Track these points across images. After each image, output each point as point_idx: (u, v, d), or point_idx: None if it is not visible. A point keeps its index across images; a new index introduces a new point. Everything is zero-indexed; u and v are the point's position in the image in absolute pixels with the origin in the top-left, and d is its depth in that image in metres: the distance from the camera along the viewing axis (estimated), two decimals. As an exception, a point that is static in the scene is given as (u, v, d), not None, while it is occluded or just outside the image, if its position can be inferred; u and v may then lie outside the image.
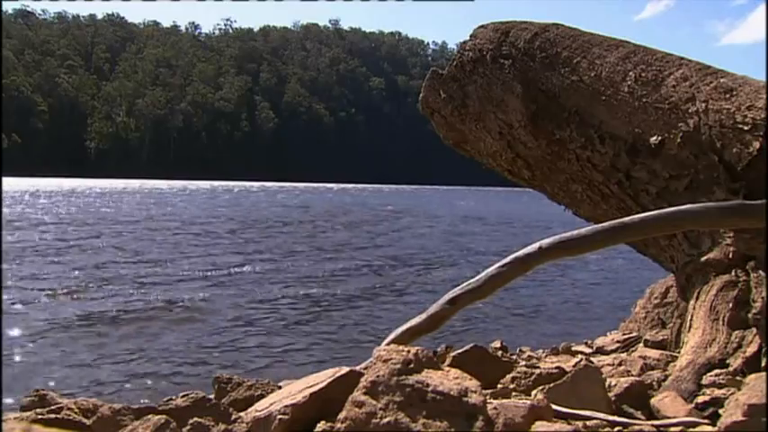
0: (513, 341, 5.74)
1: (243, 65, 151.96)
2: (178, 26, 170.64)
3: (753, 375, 1.80)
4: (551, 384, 1.75)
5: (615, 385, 1.86)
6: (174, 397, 1.67)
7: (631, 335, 3.19)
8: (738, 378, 1.86)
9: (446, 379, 1.32)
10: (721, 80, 2.32)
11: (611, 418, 1.60)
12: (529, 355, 3.27)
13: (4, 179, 56.88)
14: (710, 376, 1.90)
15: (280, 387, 1.89)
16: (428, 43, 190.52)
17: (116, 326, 8.25)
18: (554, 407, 1.54)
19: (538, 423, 1.41)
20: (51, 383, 5.71)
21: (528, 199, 37.31)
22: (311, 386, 1.53)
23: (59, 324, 8.22)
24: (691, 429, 1.56)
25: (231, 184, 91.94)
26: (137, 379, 6.18)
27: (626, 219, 1.96)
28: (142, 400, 3.99)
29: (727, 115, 2.21)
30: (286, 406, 1.48)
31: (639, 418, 1.71)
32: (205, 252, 16.08)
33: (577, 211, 3.16)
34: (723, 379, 1.87)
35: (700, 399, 1.78)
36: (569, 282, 12.80)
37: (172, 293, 10.49)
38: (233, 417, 1.55)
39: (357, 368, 1.62)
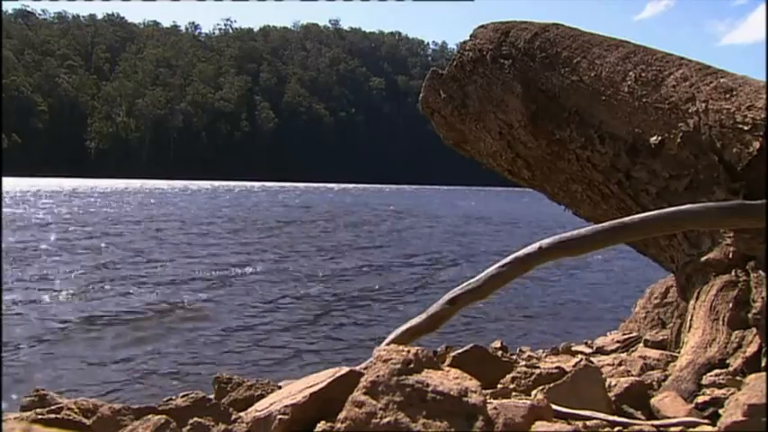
0: (513, 341, 5.75)
1: (243, 65, 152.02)
2: (178, 26, 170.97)
3: (753, 375, 1.80)
4: (551, 384, 1.75)
5: (615, 385, 1.86)
6: (174, 397, 1.67)
7: (631, 335, 3.19)
8: (738, 378, 1.86)
9: (446, 379, 1.32)
10: (721, 80, 2.32)
11: (611, 418, 1.60)
12: (529, 355, 3.27)
13: (4, 179, 56.88)
14: (710, 376, 1.90)
15: (280, 387, 1.89)
16: (428, 43, 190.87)
17: (116, 326, 8.25)
18: (554, 407, 1.54)
19: (538, 423, 1.41)
20: (51, 383, 5.71)
21: (529, 199, 37.33)
22: (311, 386, 1.53)
23: (60, 324, 8.22)
24: (691, 429, 1.56)
25: (232, 184, 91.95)
26: (137, 379, 6.18)
27: (626, 219, 1.96)
28: (142, 400, 3.99)
29: (727, 115, 2.21)
30: (286, 406, 1.48)
31: (639, 418, 1.71)
32: (207, 252, 16.08)
33: (577, 211, 3.16)
34: (723, 379, 1.87)
35: (700, 399, 1.78)
36: (569, 282, 12.80)
37: (172, 294, 10.49)
38: (233, 417, 1.55)
39: (357, 368, 1.62)
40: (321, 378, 1.55)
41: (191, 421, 1.49)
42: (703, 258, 2.31)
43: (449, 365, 1.82)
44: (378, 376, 1.30)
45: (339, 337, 8.08)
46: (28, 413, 1.62)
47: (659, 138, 2.43)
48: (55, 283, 11.10)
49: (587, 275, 13.68)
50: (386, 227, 26.95)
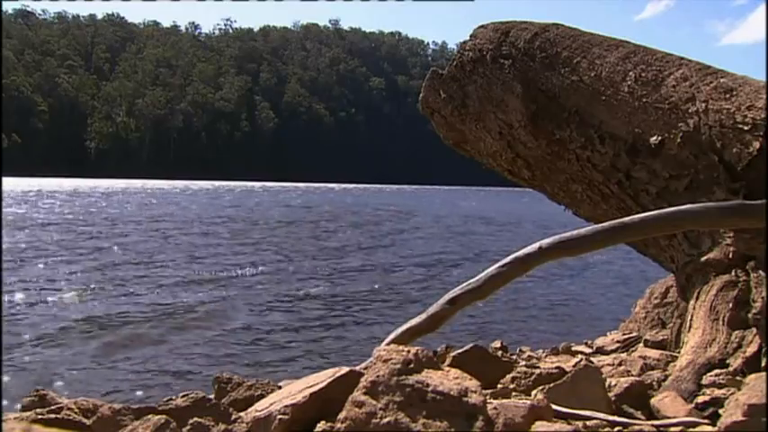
0: (513, 341, 5.75)
1: (243, 65, 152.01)
2: (178, 26, 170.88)
3: (753, 375, 1.80)
4: (551, 384, 1.75)
5: (615, 385, 1.86)
6: (174, 397, 1.67)
7: (631, 335, 3.19)
8: (738, 378, 1.86)
9: (446, 379, 1.32)
10: (721, 80, 2.32)
11: (611, 418, 1.60)
12: (529, 355, 3.27)
13: (4, 179, 56.89)
14: (710, 376, 1.90)
15: (280, 387, 1.89)
16: (428, 43, 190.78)
17: (116, 326, 8.25)
18: (554, 407, 1.54)
19: (538, 423, 1.41)
20: (51, 383, 5.71)
21: (529, 199, 37.33)
22: (311, 386, 1.53)
23: (60, 325, 8.22)
24: (691, 429, 1.56)
25: (232, 184, 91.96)
26: (137, 379, 6.19)
27: (626, 219, 1.96)
28: (142, 401, 3.99)
29: (727, 115, 2.21)
30: (286, 406, 1.48)
31: (639, 418, 1.71)
32: (207, 253, 16.09)
33: (577, 211, 3.16)
34: (723, 379, 1.87)
35: (700, 399, 1.78)
36: (569, 282, 12.81)
37: (172, 294, 10.49)
38: (233, 417, 1.55)
39: (357, 368, 1.62)
40: (321, 378, 1.55)
41: (191, 421, 1.49)
42: (703, 258, 2.31)
43: (449, 365, 1.82)
44: (378, 376, 1.30)
45: (339, 337, 8.08)
46: (28, 413, 1.62)
47: (659, 138, 2.43)
48: (56, 283, 11.10)
49: (587, 275, 13.69)
50: (388, 227, 26.96)
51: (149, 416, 1.48)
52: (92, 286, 10.88)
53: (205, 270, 13.07)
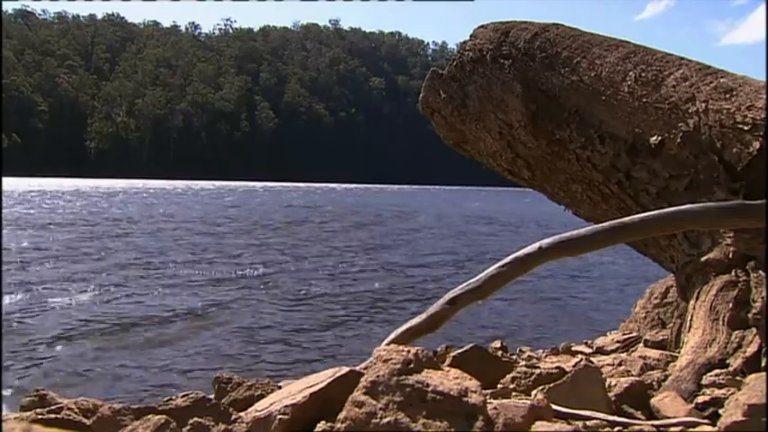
0: (513, 341, 5.75)
1: (243, 65, 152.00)
2: (178, 26, 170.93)
3: (753, 375, 1.80)
4: (551, 384, 1.75)
5: (615, 385, 1.86)
6: (174, 397, 1.67)
7: (631, 335, 3.19)
8: (738, 378, 1.86)
9: (446, 379, 1.32)
10: (721, 80, 2.32)
11: (611, 418, 1.60)
12: (529, 355, 3.27)
13: (4, 179, 56.90)
14: (710, 376, 1.90)
15: (280, 387, 1.89)
16: (428, 43, 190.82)
17: (116, 326, 8.25)
18: (554, 407, 1.54)
19: (538, 423, 1.41)
20: (51, 383, 5.71)
21: (531, 199, 37.34)
22: (311, 386, 1.53)
23: (61, 325, 8.22)
24: (691, 429, 1.56)
25: (233, 184, 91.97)
26: (137, 379, 6.19)
27: (626, 219, 1.96)
28: (142, 401, 3.99)
29: (727, 115, 2.21)
30: (286, 406, 1.48)
31: (639, 418, 1.71)
32: (209, 254, 16.09)
33: (577, 211, 3.16)
34: (723, 379, 1.87)
35: (700, 399, 1.78)
36: (569, 282, 12.81)
37: (173, 295, 10.50)
38: (233, 417, 1.55)
39: (357, 368, 1.62)
40: (321, 378, 1.55)
41: (191, 421, 1.49)
42: (703, 258, 2.31)
43: (449, 365, 1.82)
44: (378, 376, 1.30)
45: (339, 337, 8.08)
46: (28, 413, 1.61)
47: (659, 138, 2.43)
48: (56, 284, 11.10)
49: (587, 275, 13.68)
50: (389, 227, 26.95)
51: (149, 416, 1.48)
52: (93, 286, 10.89)
53: (205, 271, 13.07)
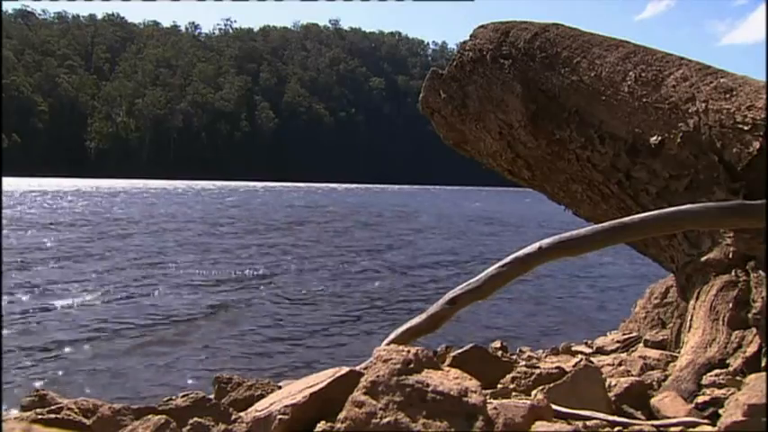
0: (513, 341, 5.75)
1: (243, 65, 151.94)
2: (178, 26, 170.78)
3: (753, 375, 1.80)
4: (551, 384, 1.75)
5: (615, 385, 1.86)
6: (174, 397, 1.67)
7: (631, 335, 3.19)
8: (738, 378, 1.86)
9: (446, 379, 1.33)
10: (721, 80, 2.32)
11: (611, 418, 1.60)
12: (529, 355, 3.27)
13: (5, 179, 56.91)
14: (710, 376, 1.90)
15: (280, 387, 1.89)
16: (428, 43, 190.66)
17: (116, 327, 8.25)
18: (554, 407, 1.54)
19: (538, 423, 1.41)
20: (51, 383, 5.71)
21: (531, 200, 37.34)
22: (311, 386, 1.53)
23: (62, 325, 8.22)
24: (691, 429, 1.56)
25: (234, 184, 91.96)
26: (137, 379, 6.19)
27: (626, 219, 1.96)
28: (142, 401, 3.99)
29: (727, 115, 2.21)
30: (286, 406, 1.48)
31: (639, 418, 1.71)
32: (209, 254, 16.08)
33: (577, 211, 3.16)
34: (723, 379, 1.87)
35: (700, 399, 1.78)
36: (570, 282, 12.81)
37: (174, 295, 10.50)
38: (233, 417, 1.55)
39: (357, 368, 1.62)
40: (321, 378, 1.55)
41: (191, 421, 1.49)
42: (703, 258, 2.31)
43: (449, 365, 1.82)
44: (378, 376, 1.30)
45: (339, 337, 8.08)
46: (28, 413, 1.61)
47: (659, 138, 2.43)
48: (58, 284, 11.10)
49: (587, 275, 13.68)
50: (390, 227, 26.94)
51: (149, 416, 1.48)
52: (94, 287, 10.88)
53: (206, 271, 13.07)
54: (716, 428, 1.50)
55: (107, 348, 7.21)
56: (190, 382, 5.91)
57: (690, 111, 2.33)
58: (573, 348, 3.30)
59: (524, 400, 1.53)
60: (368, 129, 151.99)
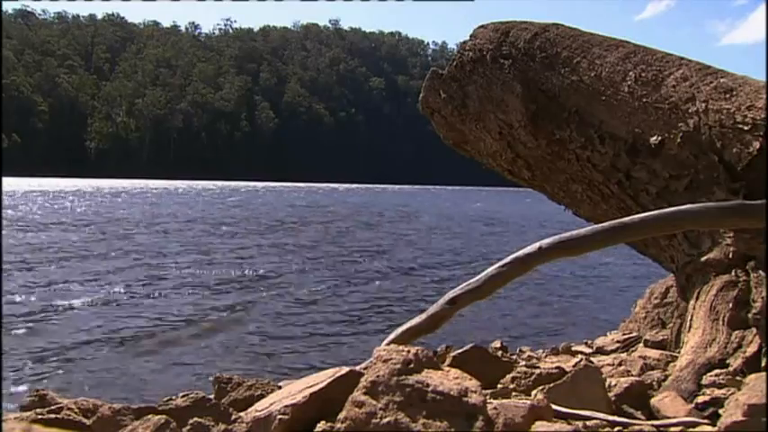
0: (513, 341, 5.75)
1: (243, 65, 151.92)
2: (178, 26, 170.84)
3: (753, 375, 1.80)
4: (551, 384, 1.75)
5: (615, 385, 1.86)
6: (174, 397, 1.67)
7: (631, 335, 3.19)
8: (738, 378, 1.86)
9: (446, 379, 1.32)
10: (721, 80, 2.32)
11: (611, 418, 1.60)
12: (529, 355, 3.27)
13: (5, 179, 56.91)
14: (710, 376, 1.90)
15: (280, 387, 1.89)
16: (428, 43, 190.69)
17: (117, 327, 8.25)
18: (554, 407, 1.54)
19: (538, 423, 1.41)
20: (51, 383, 5.71)
21: (532, 200, 37.34)
22: (311, 386, 1.53)
23: (62, 325, 8.22)
24: (691, 429, 1.56)
25: (234, 184, 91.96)
26: (137, 379, 6.19)
27: (626, 219, 1.96)
28: (142, 400, 3.99)
29: (727, 115, 2.21)
30: (286, 406, 1.48)
31: (639, 418, 1.71)
32: (210, 255, 16.08)
33: (577, 211, 3.16)
34: (723, 379, 1.87)
35: (700, 399, 1.78)
36: (570, 282, 12.80)
37: (174, 295, 10.50)
38: (233, 417, 1.55)
39: (357, 368, 1.62)
40: (321, 378, 1.55)
41: (191, 421, 1.49)
42: (703, 258, 2.31)
43: (449, 365, 1.82)
44: (378, 376, 1.30)
45: (339, 337, 8.08)
46: (28, 413, 1.61)
47: (659, 138, 2.43)
48: (58, 284, 11.10)
49: (587, 275, 13.68)
50: (393, 227, 26.94)
51: (149, 416, 1.48)
52: (95, 287, 10.88)
53: (207, 271, 13.07)
54: (716, 428, 1.50)
55: (107, 348, 7.21)
56: (190, 382, 5.91)
57: (690, 111, 2.33)
58: (573, 348, 3.30)
59: (524, 400, 1.53)
60: (368, 129, 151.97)
